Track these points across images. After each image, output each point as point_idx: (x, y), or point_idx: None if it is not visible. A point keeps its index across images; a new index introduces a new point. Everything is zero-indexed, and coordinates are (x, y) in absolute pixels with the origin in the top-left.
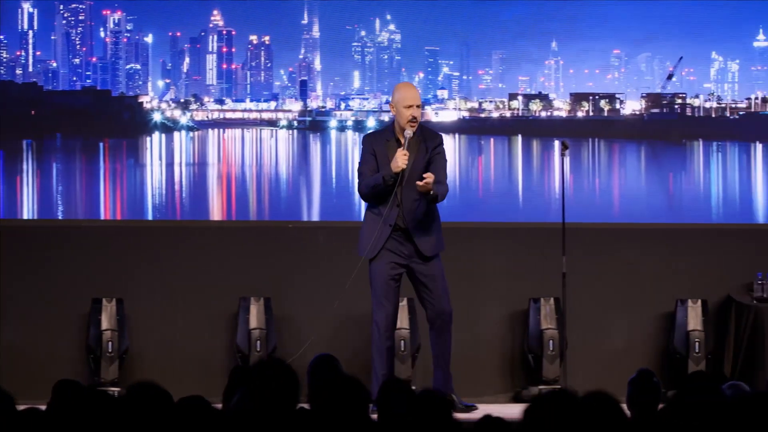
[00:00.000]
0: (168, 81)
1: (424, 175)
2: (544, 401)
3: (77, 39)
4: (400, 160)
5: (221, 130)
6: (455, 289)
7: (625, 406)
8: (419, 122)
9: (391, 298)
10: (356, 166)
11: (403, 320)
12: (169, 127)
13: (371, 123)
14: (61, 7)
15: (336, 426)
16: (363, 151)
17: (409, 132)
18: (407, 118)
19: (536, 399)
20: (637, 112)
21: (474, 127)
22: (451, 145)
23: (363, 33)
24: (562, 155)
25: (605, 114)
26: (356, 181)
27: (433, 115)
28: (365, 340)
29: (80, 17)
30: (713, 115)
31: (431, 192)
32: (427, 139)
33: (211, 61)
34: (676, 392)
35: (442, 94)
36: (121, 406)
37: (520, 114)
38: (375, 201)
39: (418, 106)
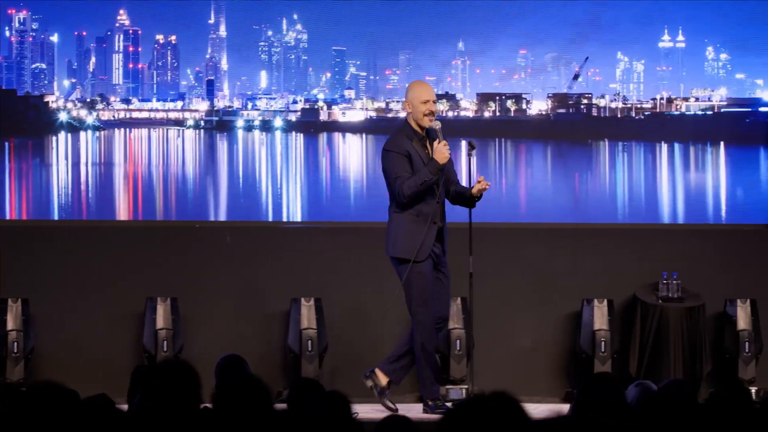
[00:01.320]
0: (74, 80)
1: (478, 179)
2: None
3: None
4: (445, 151)
5: (128, 129)
6: (361, 288)
7: (527, 406)
8: (434, 111)
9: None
10: (264, 165)
11: (311, 320)
12: (75, 127)
13: (278, 123)
14: None
15: (238, 425)
16: (394, 157)
17: (436, 124)
18: (423, 113)
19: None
20: (544, 113)
21: (381, 127)
22: (358, 145)
23: (270, 33)
24: (469, 155)
25: (512, 114)
26: (396, 188)
27: (341, 115)
28: (272, 340)
29: None
30: (619, 116)
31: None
32: (430, 137)
33: (117, 60)
34: (579, 392)
35: (349, 93)
36: (25, 405)
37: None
38: (415, 201)
39: (434, 101)
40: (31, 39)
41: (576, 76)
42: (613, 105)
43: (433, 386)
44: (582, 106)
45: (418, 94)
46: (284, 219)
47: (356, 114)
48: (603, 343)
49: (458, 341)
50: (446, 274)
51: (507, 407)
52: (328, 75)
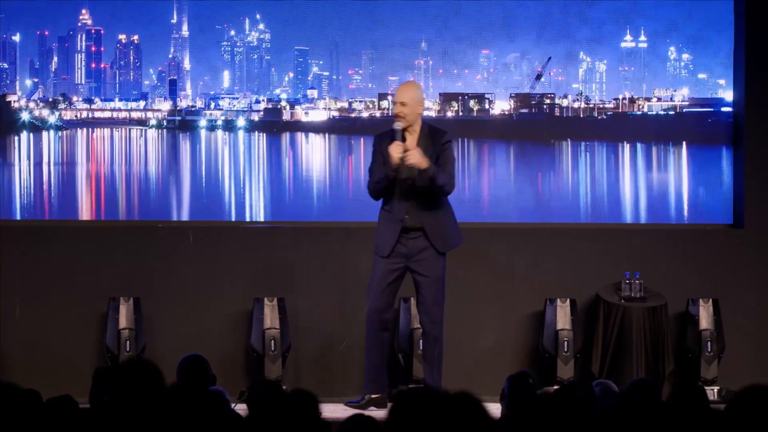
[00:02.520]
0: (36, 80)
1: (407, 150)
2: (407, 399)
3: None
4: (394, 151)
5: (90, 129)
6: (324, 288)
7: (489, 405)
8: (403, 117)
9: (385, 294)
10: (227, 165)
11: (274, 320)
12: (37, 127)
13: (241, 122)
14: None
15: (201, 426)
16: (373, 151)
17: (397, 125)
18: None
19: (399, 397)
20: (506, 112)
21: (344, 127)
22: (320, 144)
23: (232, 32)
24: None
25: (474, 114)
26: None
27: (303, 114)
28: (235, 340)
29: None
30: (581, 115)
31: (426, 171)
32: (435, 136)
33: (79, 60)
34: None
35: (312, 93)
36: None
37: (390, 114)
38: (387, 198)
39: (401, 103)
40: None
41: (539, 76)
42: (576, 105)
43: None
44: (545, 106)
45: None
46: (247, 219)
47: (319, 114)
48: (566, 342)
49: (421, 341)
50: (423, 274)
51: (470, 407)
52: (291, 75)
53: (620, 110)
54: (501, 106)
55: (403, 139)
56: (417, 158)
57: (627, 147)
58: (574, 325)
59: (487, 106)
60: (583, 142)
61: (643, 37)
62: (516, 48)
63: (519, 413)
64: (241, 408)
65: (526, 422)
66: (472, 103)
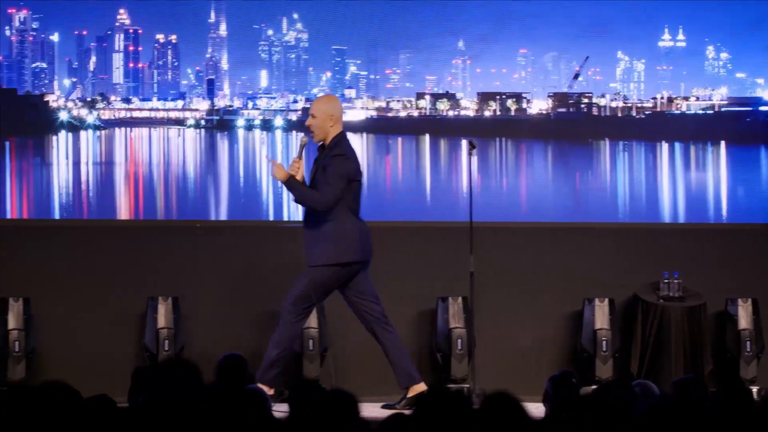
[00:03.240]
0: (74, 80)
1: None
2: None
3: None
4: (274, 170)
5: (128, 129)
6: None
7: (529, 406)
8: (312, 131)
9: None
10: (264, 165)
11: (312, 320)
12: (75, 126)
13: (278, 122)
14: None
15: (238, 426)
16: None
17: (302, 138)
18: None
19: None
20: (544, 112)
21: (382, 127)
22: (359, 144)
23: (270, 32)
24: (470, 154)
25: (512, 113)
26: None
27: None
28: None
29: None
30: (619, 115)
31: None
32: (329, 149)
33: (117, 59)
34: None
35: (350, 93)
36: (31, 403)
37: (428, 113)
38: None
39: (311, 115)
40: (31, 38)
41: (576, 75)
42: (614, 104)
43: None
44: (582, 106)
45: None
46: (284, 218)
47: (357, 113)
48: (604, 342)
49: (459, 341)
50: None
51: (508, 407)
52: (329, 74)
53: (658, 109)
54: (538, 105)
55: (300, 154)
56: (277, 173)
57: (665, 146)
58: (613, 325)
59: (524, 106)
60: (621, 141)
61: (681, 36)
62: (554, 47)
63: (561, 413)
64: (280, 407)
65: (568, 423)
66: (509, 102)
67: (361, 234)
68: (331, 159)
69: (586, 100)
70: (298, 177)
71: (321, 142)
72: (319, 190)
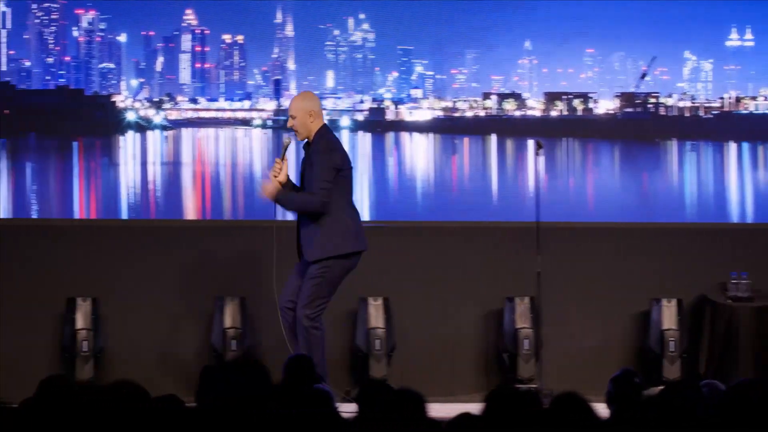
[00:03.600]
0: (142, 80)
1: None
2: (505, 398)
3: (50, 38)
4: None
5: (195, 129)
6: (429, 288)
7: (596, 406)
8: (296, 131)
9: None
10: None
11: (378, 319)
12: (142, 126)
13: (345, 122)
14: (34, 6)
15: (307, 426)
16: None
17: (285, 139)
18: None
19: (497, 395)
20: (611, 112)
21: (448, 126)
22: (424, 144)
23: (337, 32)
24: (537, 154)
25: (579, 113)
26: None
27: (408, 114)
28: (341, 340)
29: (53, 16)
30: (687, 115)
31: (276, 199)
32: (314, 144)
33: (184, 60)
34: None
35: (416, 93)
36: (101, 402)
37: (494, 113)
38: None
39: (291, 116)
40: (98, 39)
41: (643, 75)
42: (681, 104)
43: None
44: (649, 105)
45: None
46: None
47: (423, 113)
48: (672, 342)
49: (526, 341)
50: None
51: (577, 407)
52: (395, 74)
53: (726, 109)
54: (605, 105)
55: (283, 155)
56: (266, 191)
57: (733, 146)
58: (680, 325)
59: (591, 106)
60: (688, 141)
61: (749, 36)
62: (621, 47)
63: (626, 413)
64: (348, 407)
65: (633, 422)
66: (576, 102)
67: (358, 224)
68: (317, 154)
69: (653, 100)
70: (281, 178)
71: (305, 140)
72: (308, 190)
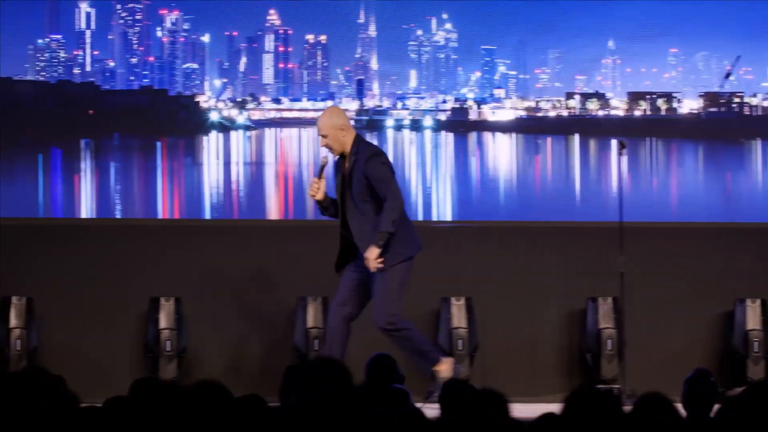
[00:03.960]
0: (225, 80)
1: (367, 257)
2: (587, 398)
3: (134, 38)
4: (310, 191)
5: (278, 129)
6: (511, 288)
7: (680, 406)
8: (331, 148)
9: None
10: (413, 165)
11: (461, 319)
12: (226, 126)
13: (428, 122)
14: (119, 6)
15: (391, 427)
16: None
17: (321, 159)
18: None
19: (578, 395)
20: (695, 111)
21: (531, 126)
22: (507, 144)
23: (419, 32)
24: (620, 154)
25: (663, 113)
26: None
27: (490, 114)
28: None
29: (137, 17)
30: None
31: (381, 244)
32: (359, 157)
33: (267, 60)
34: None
35: (499, 93)
36: (185, 402)
37: (577, 113)
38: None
39: (322, 136)
40: (182, 39)
41: (728, 75)
42: (766, 104)
43: None
44: (734, 105)
45: None
46: (434, 218)
47: (506, 113)
48: (756, 343)
49: (609, 341)
50: (371, 279)
51: (661, 408)
52: (478, 74)
53: None
54: (689, 104)
55: (320, 174)
56: (371, 263)
57: None
58: (765, 326)
59: (675, 105)
60: None
61: None
62: (705, 46)
63: (702, 414)
64: (431, 407)
65: (712, 423)
66: (660, 102)
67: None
68: (366, 163)
69: (737, 100)
70: (319, 197)
71: (321, 164)
72: (383, 196)
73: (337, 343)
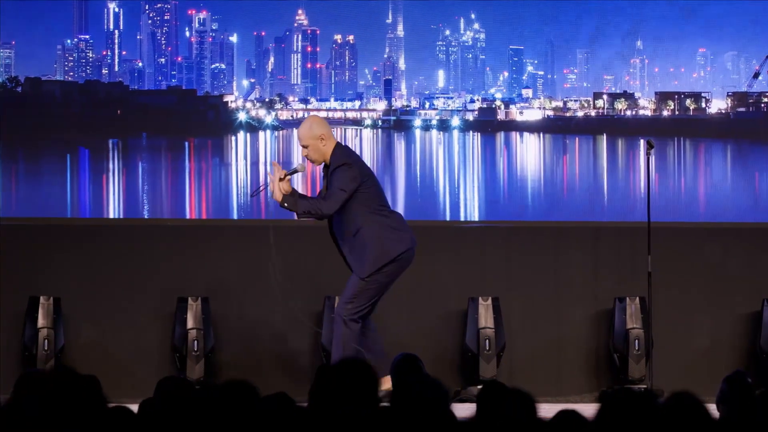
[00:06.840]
0: (253, 80)
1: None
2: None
3: (162, 39)
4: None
5: None
6: (538, 288)
7: (710, 406)
8: (312, 159)
9: None
10: (441, 165)
11: (488, 319)
12: (254, 127)
13: (455, 122)
14: (147, 7)
15: (416, 425)
16: None
17: (299, 167)
18: None
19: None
20: (723, 111)
21: (559, 126)
22: (535, 144)
23: (447, 32)
24: (648, 154)
25: (691, 113)
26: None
27: (518, 114)
28: (451, 339)
29: (165, 17)
30: None
31: (285, 205)
32: (332, 164)
33: (295, 60)
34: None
35: (527, 93)
36: (214, 402)
37: (605, 113)
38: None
39: (303, 147)
40: (210, 39)
41: (756, 74)
42: None
43: None
44: (762, 105)
45: None
46: (461, 218)
47: (534, 113)
48: None
49: (637, 341)
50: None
51: (691, 407)
52: (506, 74)
53: None
54: (718, 104)
55: (286, 175)
56: (274, 194)
57: None
58: None
59: (703, 105)
60: None
61: None
62: (733, 46)
63: (739, 414)
64: (464, 407)
65: (747, 423)
66: (688, 101)
67: (396, 225)
68: (335, 171)
69: (766, 100)
70: (277, 197)
71: (293, 170)
72: (326, 196)
73: (358, 344)
